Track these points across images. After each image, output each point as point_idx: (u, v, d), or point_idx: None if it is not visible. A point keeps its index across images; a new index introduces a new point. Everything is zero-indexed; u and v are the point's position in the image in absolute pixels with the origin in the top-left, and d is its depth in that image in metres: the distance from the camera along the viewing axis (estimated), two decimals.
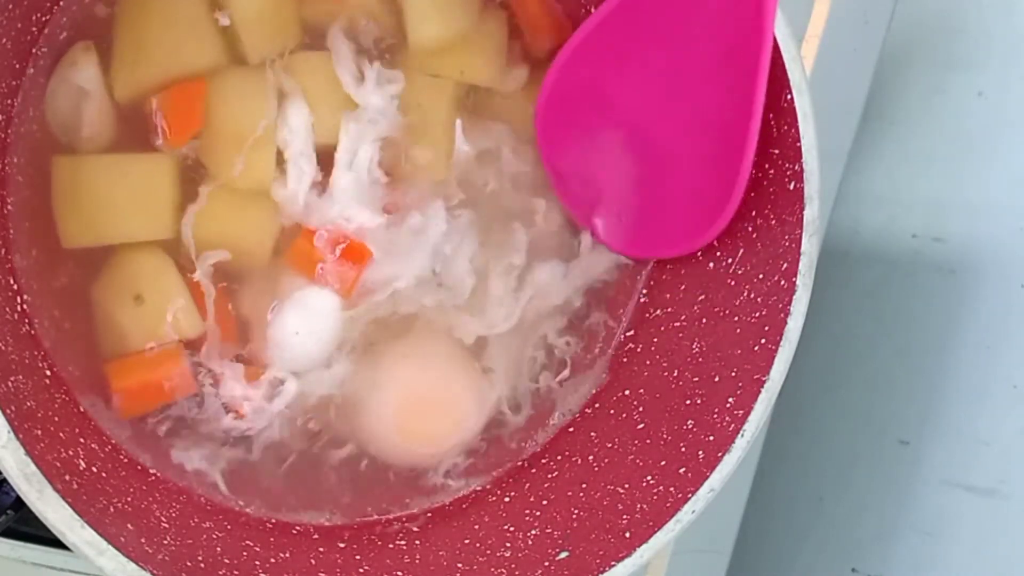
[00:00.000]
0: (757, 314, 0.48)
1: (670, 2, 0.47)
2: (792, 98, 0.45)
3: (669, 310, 0.54)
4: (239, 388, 0.50)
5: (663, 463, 0.48)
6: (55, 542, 0.44)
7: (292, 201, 0.49)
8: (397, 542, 0.51)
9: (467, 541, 0.50)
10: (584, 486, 0.51)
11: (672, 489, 0.46)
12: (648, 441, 0.50)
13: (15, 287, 0.48)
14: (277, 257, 0.50)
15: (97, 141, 0.49)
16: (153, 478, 0.49)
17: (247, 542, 0.48)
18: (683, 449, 0.48)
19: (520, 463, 0.54)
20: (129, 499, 0.45)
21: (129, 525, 0.43)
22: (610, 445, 0.52)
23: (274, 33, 0.50)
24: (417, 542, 0.51)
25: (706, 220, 0.49)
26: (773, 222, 0.47)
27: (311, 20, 0.50)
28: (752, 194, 0.48)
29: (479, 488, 0.54)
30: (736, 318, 0.49)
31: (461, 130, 0.52)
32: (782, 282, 0.46)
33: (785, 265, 0.46)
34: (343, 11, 0.51)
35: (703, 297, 0.52)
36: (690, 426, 0.48)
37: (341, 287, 0.50)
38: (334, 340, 0.51)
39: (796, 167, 0.45)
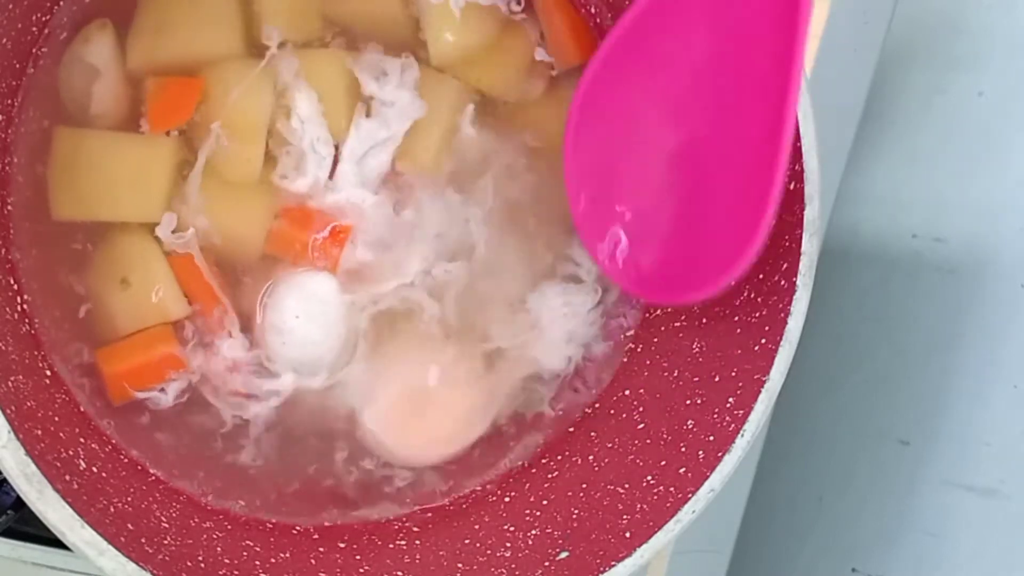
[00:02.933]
0: (757, 314, 0.48)
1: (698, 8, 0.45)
2: None
3: (669, 310, 0.54)
4: (235, 351, 0.49)
5: (663, 463, 0.48)
6: (55, 542, 0.44)
7: (313, 187, 0.50)
8: (397, 542, 0.51)
9: (467, 541, 0.50)
10: (584, 486, 0.51)
11: (672, 489, 0.46)
12: (648, 441, 0.50)
13: (15, 287, 0.48)
14: (270, 244, 0.50)
15: (106, 119, 0.49)
16: (153, 478, 0.49)
17: (247, 542, 0.48)
18: (683, 449, 0.48)
19: (520, 463, 0.54)
20: (129, 499, 0.45)
21: (129, 525, 0.43)
22: (610, 445, 0.52)
23: (293, 23, 0.50)
24: (417, 542, 0.51)
25: (734, 253, 0.44)
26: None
27: (333, 17, 0.51)
28: None
29: (479, 488, 0.54)
30: (736, 318, 0.49)
31: (471, 117, 0.52)
32: (782, 282, 0.46)
33: (785, 265, 0.46)
34: (367, 12, 0.51)
35: None
36: (690, 426, 0.48)
37: (328, 264, 0.51)
38: (337, 325, 0.51)
39: (796, 167, 0.45)
